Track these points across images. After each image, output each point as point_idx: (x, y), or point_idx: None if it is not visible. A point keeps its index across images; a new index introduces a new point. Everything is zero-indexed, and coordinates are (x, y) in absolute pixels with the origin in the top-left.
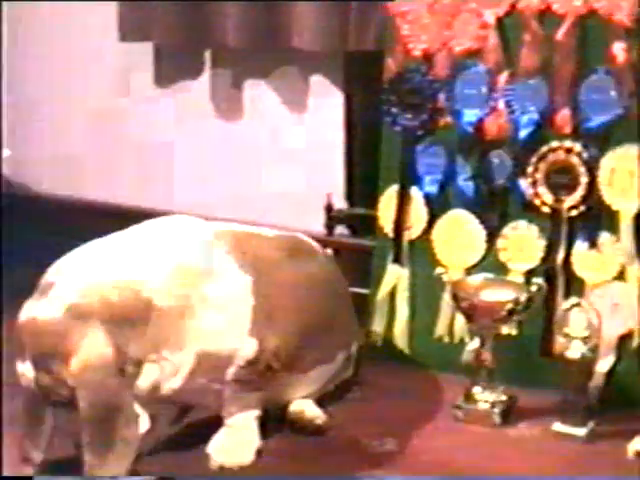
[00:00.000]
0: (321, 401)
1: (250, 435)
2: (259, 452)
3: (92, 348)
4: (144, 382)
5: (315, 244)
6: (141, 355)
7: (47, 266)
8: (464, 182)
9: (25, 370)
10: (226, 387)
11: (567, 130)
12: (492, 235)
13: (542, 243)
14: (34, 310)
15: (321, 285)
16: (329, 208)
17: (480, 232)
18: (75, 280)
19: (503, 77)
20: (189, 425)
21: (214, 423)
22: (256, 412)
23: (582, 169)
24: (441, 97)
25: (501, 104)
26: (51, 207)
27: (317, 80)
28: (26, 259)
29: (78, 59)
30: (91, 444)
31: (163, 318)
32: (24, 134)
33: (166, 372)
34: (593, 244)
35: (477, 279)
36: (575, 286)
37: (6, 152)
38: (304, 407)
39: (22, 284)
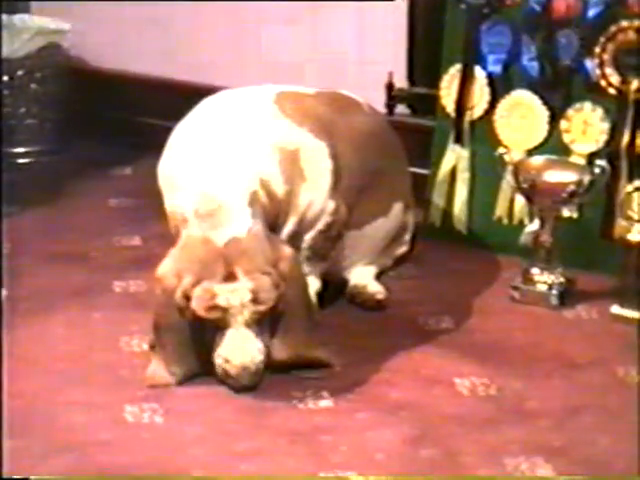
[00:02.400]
0: (379, 278)
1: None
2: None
3: (283, 244)
4: None
5: (358, 97)
6: None
7: (111, 139)
8: (529, 62)
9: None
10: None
11: (638, 9)
12: (555, 116)
13: (606, 125)
14: (230, 232)
15: (371, 138)
16: (390, 87)
17: (543, 113)
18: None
19: None
20: None
21: None
22: (317, 285)
23: None
24: None
25: None
26: (109, 81)
27: None
28: (87, 133)
29: None
30: (306, 329)
31: (283, 204)
32: (84, 8)
33: None
34: None
35: (539, 160)
36: (639, 170)
37: (66, 25)
38: (366, 282)
39: (83, 156)
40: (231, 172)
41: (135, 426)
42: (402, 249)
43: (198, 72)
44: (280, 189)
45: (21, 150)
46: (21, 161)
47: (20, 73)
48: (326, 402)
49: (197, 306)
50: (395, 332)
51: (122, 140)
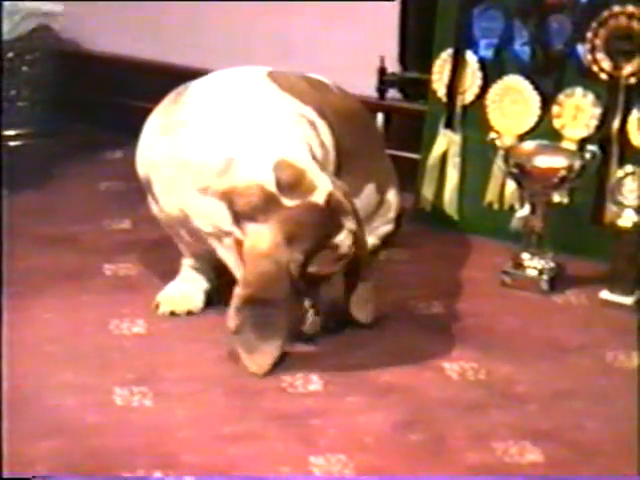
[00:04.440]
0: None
1: None
2: None
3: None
4: None
5: (326, 80)
6: None
7: (101, 122)
8: (521, 47)
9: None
10: None
11: None
12: (547, 101)
13: (597, 111)
14: (323, 190)
15: (344, 118)
16: (382, 71)
17: (535, 98)
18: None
19: None
20: None
21: None
22: None
23: None
24: None
25: None
26: (101, 63)
27: None
28: (78, 116)
29: None
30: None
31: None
32: None
33: None
34: None
35: (530, 145)
36: (630, 155)
37: (58, 7)
38: None
39: (74, 139)
40: (287, 134)
41: (124, 409)
42: (387, 227)
43: (190, 55)
44: (318, 152)
45: (12, 133)
46: (12, 144)
47: (11, 55)
48: (315, 386)
49: (322, 263)
50: (384, 316)
51: (113, 123)
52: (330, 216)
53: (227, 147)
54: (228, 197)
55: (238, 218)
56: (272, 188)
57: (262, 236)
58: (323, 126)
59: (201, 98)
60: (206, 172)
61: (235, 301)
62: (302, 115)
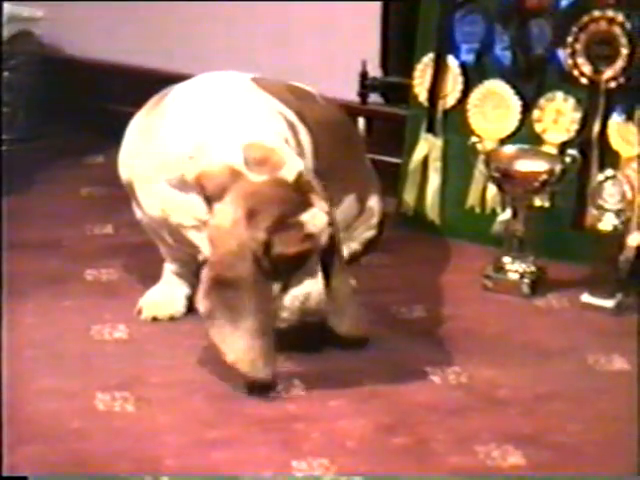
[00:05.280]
0: (349, 266)
1: None
2: None
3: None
4: None
5: (310, 88)
6: None
7: (83, 127)
8: (502, 51)
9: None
10: None
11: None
12: (528, 106)
13: (578, 115)
14: (294, 167)
15: (325, 129)
16: (363, 76)
17: (516, 102)
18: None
19: None
20: None
21: None
22: None
23: (623, 40)
24: None
25: None
26: (82, 69)
27: None
28: (60, 121)
29: None
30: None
31: None
32: None
33: None
34: (630, 117)
35: (511, 149)
36: (610, 159)
37: (39, 13)
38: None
39: (56, 144)
40: (260, 123)
41: (106, 414)
42: (370, 233)
43: (173, 60)
44: (294, 150)
45: None
46: None
47: None
48: (298, 390)
49: (288, 242)
50: (367, 321)
51: (94, 128)
52: (297, 193)
53: (198, 133)
54: (200, 182)
55: (210, 202)
56: (240, 167)
57: (225, 213)
58: (303, 131)
59: (181, 98)
60: (180, 161)
61: (203, 285)
62: (281, 113)
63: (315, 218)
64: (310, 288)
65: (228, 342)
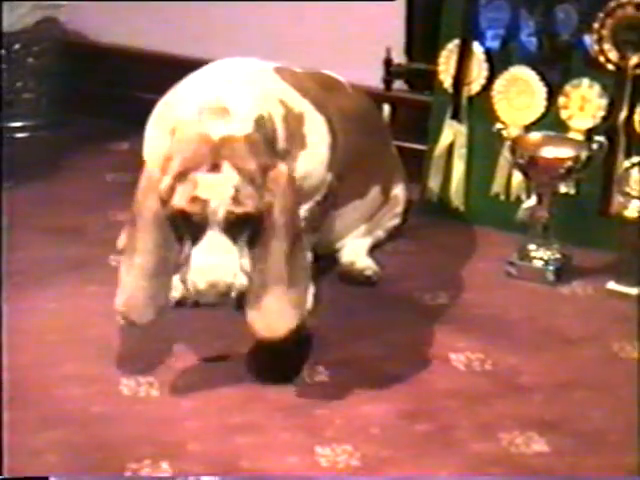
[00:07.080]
0: (373, 253)
1: None
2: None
3: (280, 162)
4: None
5: (341, 78)
6: None
7: (107, 114)
8: (527, 37)
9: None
10: None
11: None
12: (553, 92)
13: (604, 101)
14: (228, 129)
15: (354, 120)
16: (388, 62)
17: (541, 89)
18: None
19: None
20: None
21: None
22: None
23: None
24: None
25: None
26: (106, 55)
27: None
28: (84, 107)
29: None
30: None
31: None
32: None
33: None
34: None
35: (537, 136)
36: (636, 146)
37: None
38: (355, 258)
39: (80, 131)
40: (243, 92)
41: (131, 399)
42: (395, 221)
43: (196, 46)
44: (280, 143)
45: (18, 124)
46: (18, 135)
47: (17, 47)
48: (321, 376)
49: (179, 195)
50: (390, 307)
51: (119, 115)
52: (213, 153)
53: (182, 90)
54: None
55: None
56: (191, 111)
57: (157, 154)
58: (318, 121)
59: (188, 77)
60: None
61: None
62: (286, 104)
63: (214, 185)
64: (217, 262)
65: (123, 281)
